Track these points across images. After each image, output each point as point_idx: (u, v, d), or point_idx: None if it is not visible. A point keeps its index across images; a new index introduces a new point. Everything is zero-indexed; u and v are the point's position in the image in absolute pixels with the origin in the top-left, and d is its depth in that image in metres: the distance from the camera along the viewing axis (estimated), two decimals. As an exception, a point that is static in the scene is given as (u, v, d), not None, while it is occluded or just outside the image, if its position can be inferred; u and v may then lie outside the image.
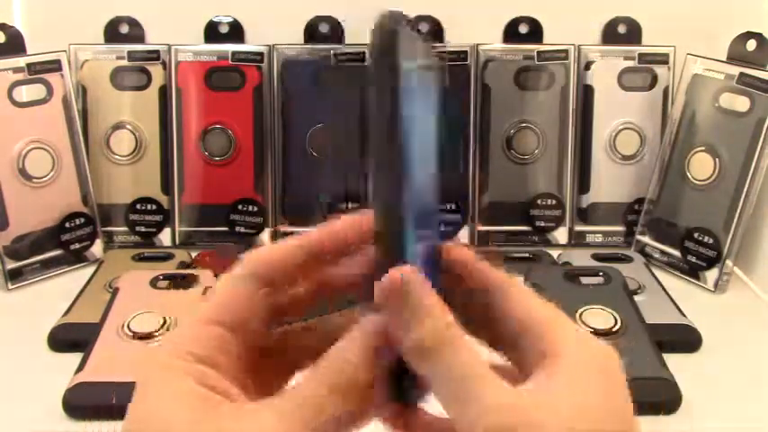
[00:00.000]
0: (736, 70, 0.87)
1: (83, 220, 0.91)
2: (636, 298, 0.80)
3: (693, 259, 0.89)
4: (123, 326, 0.70)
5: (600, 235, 0.98)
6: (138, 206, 0.95)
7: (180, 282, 0.79)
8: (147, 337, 0.69)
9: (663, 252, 0.93)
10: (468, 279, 0.32)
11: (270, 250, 0.32)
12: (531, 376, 0.29)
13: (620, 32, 0.99)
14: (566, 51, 0.96)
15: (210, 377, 0.28)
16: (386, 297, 0.29)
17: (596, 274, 0.82)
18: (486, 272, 0.32)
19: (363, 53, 0.94)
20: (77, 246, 0.91)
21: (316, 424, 0.28)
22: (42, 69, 0.88)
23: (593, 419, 0.28)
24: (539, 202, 0.97)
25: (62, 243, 0.89)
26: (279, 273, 0.31)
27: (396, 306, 0.28)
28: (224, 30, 0.97)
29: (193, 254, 0.92)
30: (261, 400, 0.29)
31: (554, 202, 0.97)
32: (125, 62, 0.94)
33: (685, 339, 0.75)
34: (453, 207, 0.96)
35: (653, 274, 0.88)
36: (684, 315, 0.78)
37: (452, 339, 0.28)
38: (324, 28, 0.97)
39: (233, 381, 0.29)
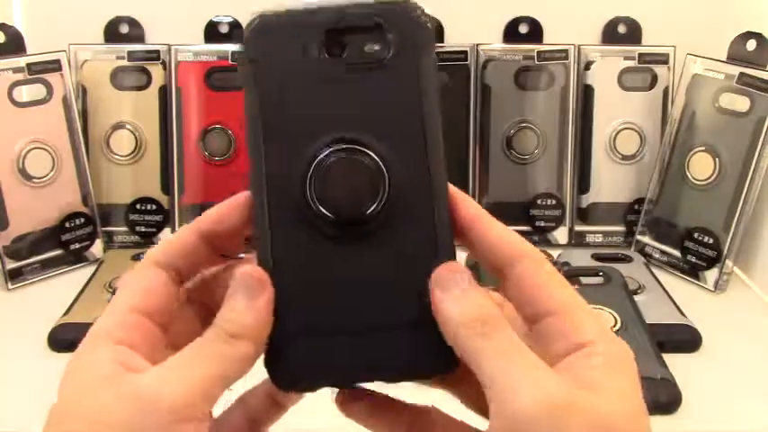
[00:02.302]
0: (736, 70, 0.87)
1: (83, 220, 0.91)
2: (636, 298, 0.80)
3: (693, 259, 0.89)
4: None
5: (600, 235, 0.98)
6: (138, 206, 0.95)
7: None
8: (147, 337, 0.69)
9: (663, 252, 0.93)
10: (477, 245, 0.32)
11: (168, 239, 0.33)
12: (563, 364, 0.29)
13: (620, 32, 0.99)
14: (566, 51, 0.96)
15: (124, 355, 0.30)
16: (443, 278, 0.30)
17: (596, 274, 0.82)
18: (498, 238, 0.32)
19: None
20: (77, 246, 0.91)
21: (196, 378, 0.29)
22: (42, 69, 0.88)
23: (624, 405, 0.29)
24: (539, 202, 0.97)
25: (62, 243, 0.89)
26: (179, 259, 0.32)
27: (450, 285, 0.30)
28: (224, 30, 0.97)
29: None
30: (157, 366, 0.30)
31: (554, 202, 0.97)
32: (125, 62, 0.94)
33: (685, 339, 0.75)
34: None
35: (653, 274, 0.88)
36: (684, 315, 0.78)
37: (494, 314, 0.30)
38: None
39: (150, 360, 0.30)
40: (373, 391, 0.33)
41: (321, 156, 0.31)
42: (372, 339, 0.31)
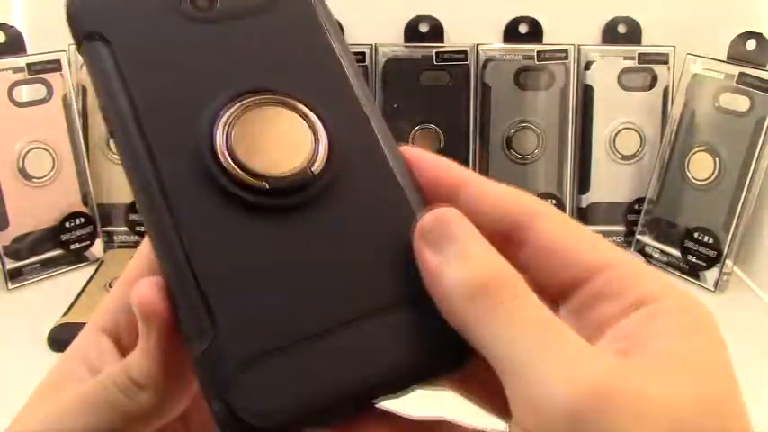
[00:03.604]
0: (735, 70, 0.87)
1: (83, 220, 0.91)
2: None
3: (693, 259, 0.89)
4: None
5: (600, 235, 0.98)
6: (138, 206, 0.95)
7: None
8: (147, 337, 0.69)
9: (663, 252, 0.93)
10: (470, 213, 0.23)
11: (133, 259, 0.28)
12: (613, 332, 0.22)
13: (620, 32, 0.99)
14: (566, 51, 0.96)
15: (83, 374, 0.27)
16: (424, 236, 0.22)
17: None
18: (499, 199, 0.24)
19: (364, 53, 0.94)
20: (77, 246, 0.91)
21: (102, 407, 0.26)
22: (42, 69, 0.88)
23: (705, 386, 0.21)
24: (539, 202, 0.97)
25: (62, 243, 0.89)
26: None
27: (437, 242, 0.22)
28: (224, 30, 0.97)
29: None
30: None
31: (554, 201, 0.97)
32: (125, 62, 0.94)
33: (685, 339, 0.75)
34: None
35: (653, 274, 0.88)
36: (684, 315, 0.78)
37: (511, 276, 0.22)
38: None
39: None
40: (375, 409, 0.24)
41: (227, 111, 0.23)
42: (352, 342, 0.22)
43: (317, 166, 0.23)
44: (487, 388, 0.23)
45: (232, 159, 0.23)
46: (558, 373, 0.20)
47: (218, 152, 0.23)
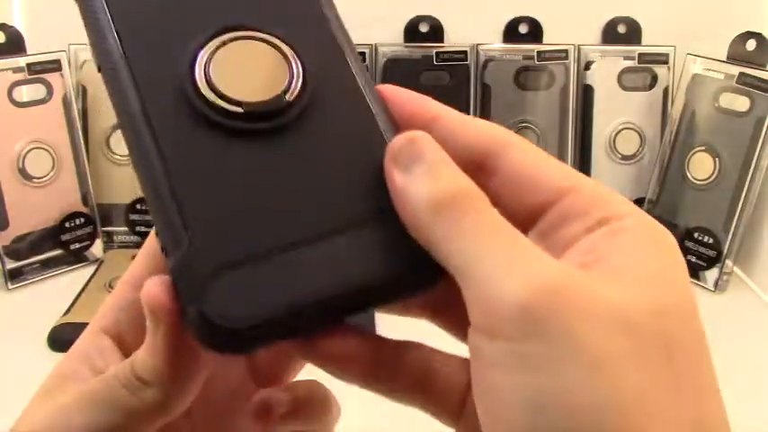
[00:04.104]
0: (735, 70, 0.87)
1: (83, 220, 0.91)
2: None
3: (693, 259, 0.89)
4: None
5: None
6: (138, 206, 0.95)
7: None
8: (147, 337, 0.69)
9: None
10: (446, 144, 0.24)
11: (136, 260, 0.29)
12: (578, 246, 0.22)
13: (620, 32, 0.99)
14: (566, 51, 0.96)
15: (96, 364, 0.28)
16: (394, 157, 0.23)
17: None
18: (474, 130, 0.25)
19: (364, 53, 0.94)
20: (77, 246, 0.91)
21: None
22: (42, 69, 0.88)
23: (661, 294, 0.21)
24: (539, 202, 0.97)
25: (62, 243, 0.89)
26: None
27: (406, 160, 0.23)
28: (224, 30, 0.97)
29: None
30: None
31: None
32: (125, 62, 0.94)
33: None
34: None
35: (653, 274, 0.88)
36: (684, 315, 0.78)
37: (476, 193, 0.22)
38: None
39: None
40: (346, 326, 0.25)
41: (211, 45, 0.25)
42: (322, 256, 0.23)
43: (290, 94, 0.25)
44: (457, 315, 0.23)
45: (210, 88, 0.24)
46: (513, 273, 0.20)
47: (198, 81, 0.24)
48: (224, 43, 0.25)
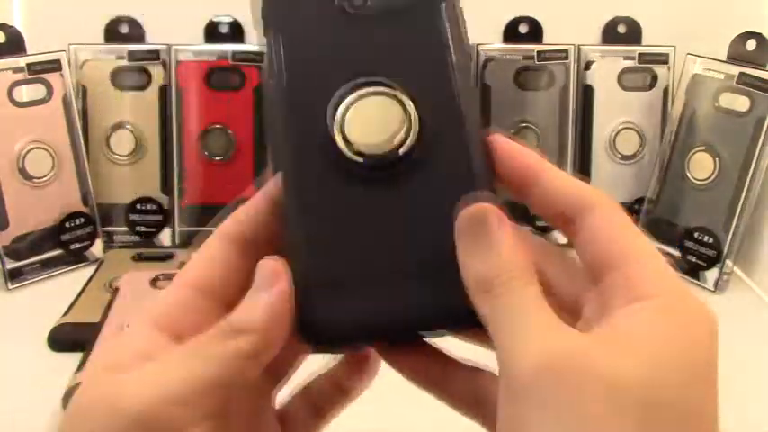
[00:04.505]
0: (736, 70, 0.87)
1: (83, 220, 0.91)
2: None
3: (693, 259, 0.89)
4: (123, 326, 0.70)
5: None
6: (138, 206, 0.95)
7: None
8: (147, 337, 0.69)
9: (663, 252, 0.92)
10: (541, 197, 0.29)
11: (238, 211, 0.32)
12: (604, 318, 0.25)
13: (620, 32, 0.99)
14: (566, 51, 0.96)
15: (151, 344, 0.28)
16: (462, 228, 0.28)
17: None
18: (566, 188, 0.28)
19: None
20: (77, 246, 0.91)
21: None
22: (42, 69, 0.88)
23: (664, 379, 0.23)
24: (539, 202, 0.97)
25: (62, 243, 0.89)
26: (250, 229, 0.31)
27: (469, 236, 0.27)
28: (224, 30, 0.97)
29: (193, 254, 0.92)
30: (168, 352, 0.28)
31: (554, 202, 0.97)
32: (125, 62, 0.94)
33: (685, 339, 0.75)
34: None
35: (653, 274, 0.88)
36: (684, 315, 0.78)
37: (516, 275, 0.26)
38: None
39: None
40: (425, 342, 0.31)
41: (347, 97, 0.30)
42: (402, 289, 0.29)
43: (403, 149, 0.30)
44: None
45: (342, 137, 0.30)
46: (526, 351, 0.24)
47: (332, 130, 0.30)
48: (359, 96, 0.30)
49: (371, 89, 0.30)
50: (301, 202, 0.30)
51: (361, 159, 0.29)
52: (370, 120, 0.30)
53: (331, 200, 0.30)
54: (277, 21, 0.32)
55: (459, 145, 0.30)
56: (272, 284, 0.28)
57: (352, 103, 0.30)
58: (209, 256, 0.30)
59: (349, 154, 0.29)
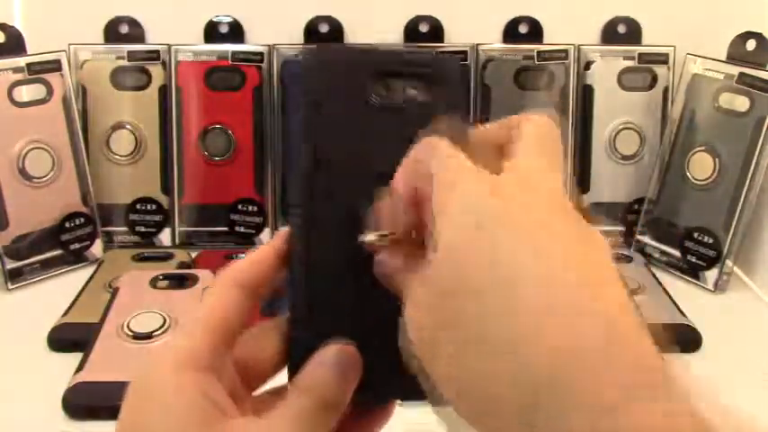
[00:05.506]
0: (735, 70, 0.87)
1: (83, 220, 0.91)
2: (636, 298, 0.80)
3: (693, 259, 0.89)
4: (123, 326, 0.70)
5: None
6: (138, 206, 0.95)
7: (180, 282, 0.79)
8: (146, 337, 0.69)
9: (663, 252, 0.93)
10: None
11: (246, 259, 0.33)
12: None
13: (620, 32, 0.99)
14: (565, 51, 0.96)
15: (215, 389, 0.29)
16: (415, 157, 0.30)
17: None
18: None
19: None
20: (77, 246, 0.91)
21: None
22: (42, 69, 0.88)
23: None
24: (539, 202, 0.97)
25: (62, 243, 0.89)
26: (258, 280, 0.32)
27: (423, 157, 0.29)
28: (224, 30, 0.97)
29: (193, 254, 0.92)
30: (252, 418, 0.29)
31: (554, 202, 0.97)
32: (125, 62, 0.94)
33: (685, 339, 0.75)
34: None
35: (653, 274, 0.88)
36: (684, 315, 0.78)
37: (449, 148, 0.29)
38: (324, 28, 0.97)
39: (228, 391, 0.29)
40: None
41: (364, 204, 0.31)
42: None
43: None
44: None
45: (359, 232, 0.31)
46: (451, 196, 0.27)
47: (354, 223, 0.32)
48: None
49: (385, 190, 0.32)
50: (308, 276, 0.32)
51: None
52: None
53: (335, 278, 0.33)
54: (315, 95, 0.33)
55: None
56: (353, 371, 0.31)
57: (369, 205, 0.31)
58: (225, 300, 0.31)
59: (359, 251, 0.31)
